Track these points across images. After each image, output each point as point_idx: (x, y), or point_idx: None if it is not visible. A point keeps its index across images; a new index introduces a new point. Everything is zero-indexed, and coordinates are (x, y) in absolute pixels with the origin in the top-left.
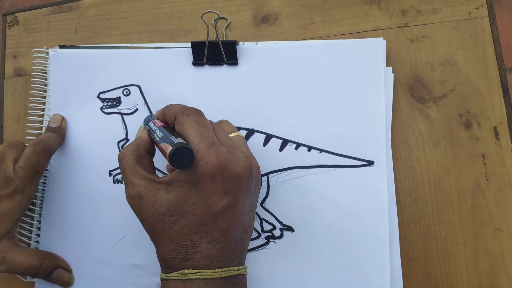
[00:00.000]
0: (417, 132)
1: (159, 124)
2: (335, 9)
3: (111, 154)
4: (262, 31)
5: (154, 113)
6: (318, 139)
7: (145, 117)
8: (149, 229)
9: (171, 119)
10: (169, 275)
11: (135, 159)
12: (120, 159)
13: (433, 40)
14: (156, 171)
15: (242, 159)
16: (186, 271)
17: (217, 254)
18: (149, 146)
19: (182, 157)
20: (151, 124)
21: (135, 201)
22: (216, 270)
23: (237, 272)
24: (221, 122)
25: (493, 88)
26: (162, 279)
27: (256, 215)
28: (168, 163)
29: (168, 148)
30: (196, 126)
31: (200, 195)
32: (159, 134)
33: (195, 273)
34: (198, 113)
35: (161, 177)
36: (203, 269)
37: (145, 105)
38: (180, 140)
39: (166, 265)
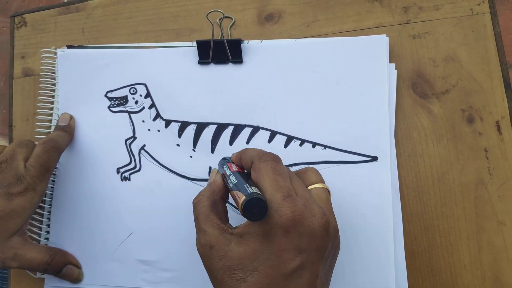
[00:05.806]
0: (420, 127)
1: (234, 168)
2: (338, 6)
3: (119, 151)
4: (266, 30)
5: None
6: (322, 135)
7: (220, 159)
8: (216, 283)
9: (247, 163)
10: None
11: (210, 206)
12: (195, 205)
13: (435, 37)
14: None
15: (319, 215)
16: None
17: None
18: (224, 192)
19: (255, 209)
20: (225, 168)
21: (206, 251)
22: None
23: None
24: (307, 169)
25: (495, 83)
26: None
27: None
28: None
29: (241, 198)
30: (273, 174)
31: (272, 251)
32: (233, 180)
33: None
34: (275, 159)
35: (234, 228)
36: None
37: (152, 103)
38: (254, 189)
39: None
